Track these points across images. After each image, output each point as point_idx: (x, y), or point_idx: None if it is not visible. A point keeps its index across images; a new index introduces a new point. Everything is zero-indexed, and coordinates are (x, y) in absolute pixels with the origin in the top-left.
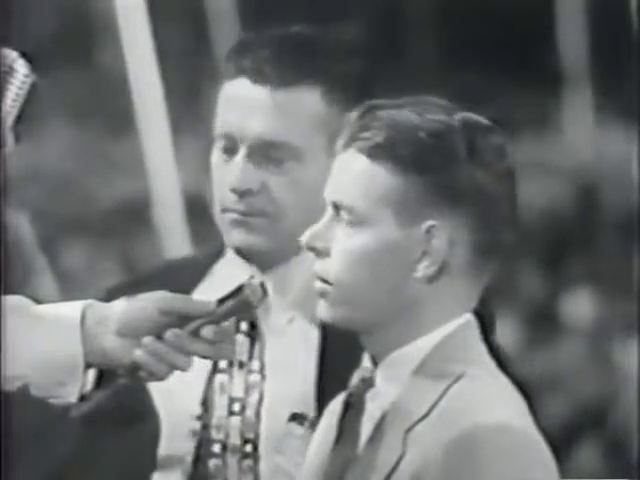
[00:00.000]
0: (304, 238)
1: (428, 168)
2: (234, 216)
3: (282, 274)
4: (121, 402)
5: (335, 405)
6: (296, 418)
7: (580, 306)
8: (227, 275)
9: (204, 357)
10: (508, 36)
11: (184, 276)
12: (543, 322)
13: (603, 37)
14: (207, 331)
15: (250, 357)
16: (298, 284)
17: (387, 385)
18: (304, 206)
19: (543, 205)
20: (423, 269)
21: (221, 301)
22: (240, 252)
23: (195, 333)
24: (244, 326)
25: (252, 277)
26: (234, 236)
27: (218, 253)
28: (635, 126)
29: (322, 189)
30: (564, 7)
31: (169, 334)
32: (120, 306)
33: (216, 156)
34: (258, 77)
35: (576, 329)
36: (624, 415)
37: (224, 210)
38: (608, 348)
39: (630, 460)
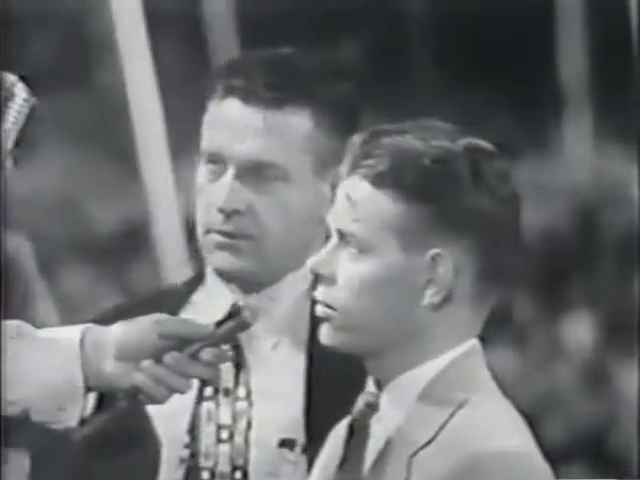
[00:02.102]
0: (309, 264)
1: (432, 195)
2: (219, 238)
3: (266, 298)
4: (122, 426)
5: (340, 428)
6: (286, 443)
7: (579, 329)
8: (207, 303)
9: (204, 380)
10: (508, 57)
11: (162, 307)
12: (542, 346)
13: (603, 59)
14: (206, 354)
15: (236, 384)
16: (282, 309)
17: (392, 410)
18: (289, 229)
19: (542, 227)
20: (429, 297)
21: (219, 324)
22: (223, 275)
23: (194, 356)
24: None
25: (236, 303)
26: (218, 258)
27: (197, 281)
28: (635, 148)
29: (308, 211)
30: (564, 28)
31: (168, 357)
32: (119, 330)
33: (201, 176)
34: (250, 97)
35: (575, 353)
36: (623, 439)
37: (208, 231)
38: (607, 372)
39: None
